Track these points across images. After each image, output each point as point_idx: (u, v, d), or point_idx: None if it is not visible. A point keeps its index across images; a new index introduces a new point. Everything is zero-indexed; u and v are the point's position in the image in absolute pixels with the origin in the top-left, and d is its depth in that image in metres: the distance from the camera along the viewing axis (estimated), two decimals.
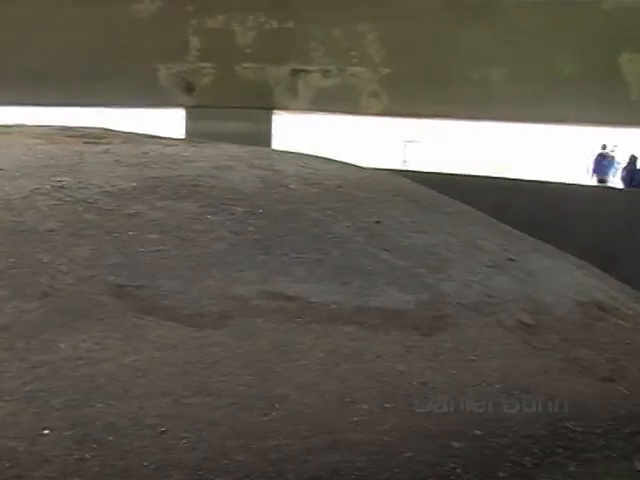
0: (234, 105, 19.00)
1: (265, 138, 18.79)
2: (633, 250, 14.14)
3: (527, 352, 6.63)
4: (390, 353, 6.03)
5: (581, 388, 6.30)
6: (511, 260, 8.45)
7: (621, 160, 18.08)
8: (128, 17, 20.03)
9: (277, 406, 5.17)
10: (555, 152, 20.87)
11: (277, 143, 18.78)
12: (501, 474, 5.12)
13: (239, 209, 7.70)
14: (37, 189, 7.51)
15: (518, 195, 16.36)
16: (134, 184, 7.87)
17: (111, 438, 4.64)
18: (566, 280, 8.69)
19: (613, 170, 18.12)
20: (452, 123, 20.16)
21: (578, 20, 16.75)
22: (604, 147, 17.98)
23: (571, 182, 17.45)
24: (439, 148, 21.99)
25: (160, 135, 11.56)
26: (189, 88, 20.02)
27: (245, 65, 19.61)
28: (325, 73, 19.31)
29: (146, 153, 9.16)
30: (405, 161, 21.48)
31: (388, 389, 5.60)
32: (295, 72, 19.50)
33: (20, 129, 10.49)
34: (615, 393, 6.42)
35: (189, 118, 20.09)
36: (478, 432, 5.37)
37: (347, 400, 5.38)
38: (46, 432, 4.60)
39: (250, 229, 7.38)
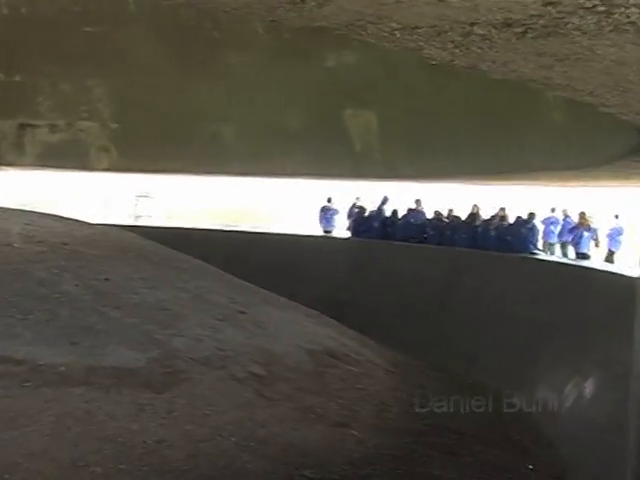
0: None
1: None
2: (361, 297, 14.64)
3: (261, 403, 6.75)
4: (123, 413, 5.97)
5: (316, 435, 6.48)
6: (242, 313, 8.59)
7: (343, 210, 18.78)
8: None
9: (7, 476, 5.00)
10: (291, 205, 21.46)
11: (1, 200, 18.18)
12: None
13: None
14: None
15: (251, 248, 16.63)
16: None
17: None
18: (297, 330, 8.93)
19: (336, 221, 18.76)
20: (185, 177, 20.22)
21: (303, 77, 17.23)
22: (329, 200, 18.63)
23: (302, 234, 17.88)
24: (173, 202, 21.98)
25: None
26: None
27: None
28: (53, 128, 18.88)
29: None
30: (137, 216, 21.32)
31: (122, 449, 5.54)
32: (22, 127, 18.97)
33: None
34: (349, 438, 6.65)
35: None
36: None
37: (80, 464, 5.28)
38: None
39: None
